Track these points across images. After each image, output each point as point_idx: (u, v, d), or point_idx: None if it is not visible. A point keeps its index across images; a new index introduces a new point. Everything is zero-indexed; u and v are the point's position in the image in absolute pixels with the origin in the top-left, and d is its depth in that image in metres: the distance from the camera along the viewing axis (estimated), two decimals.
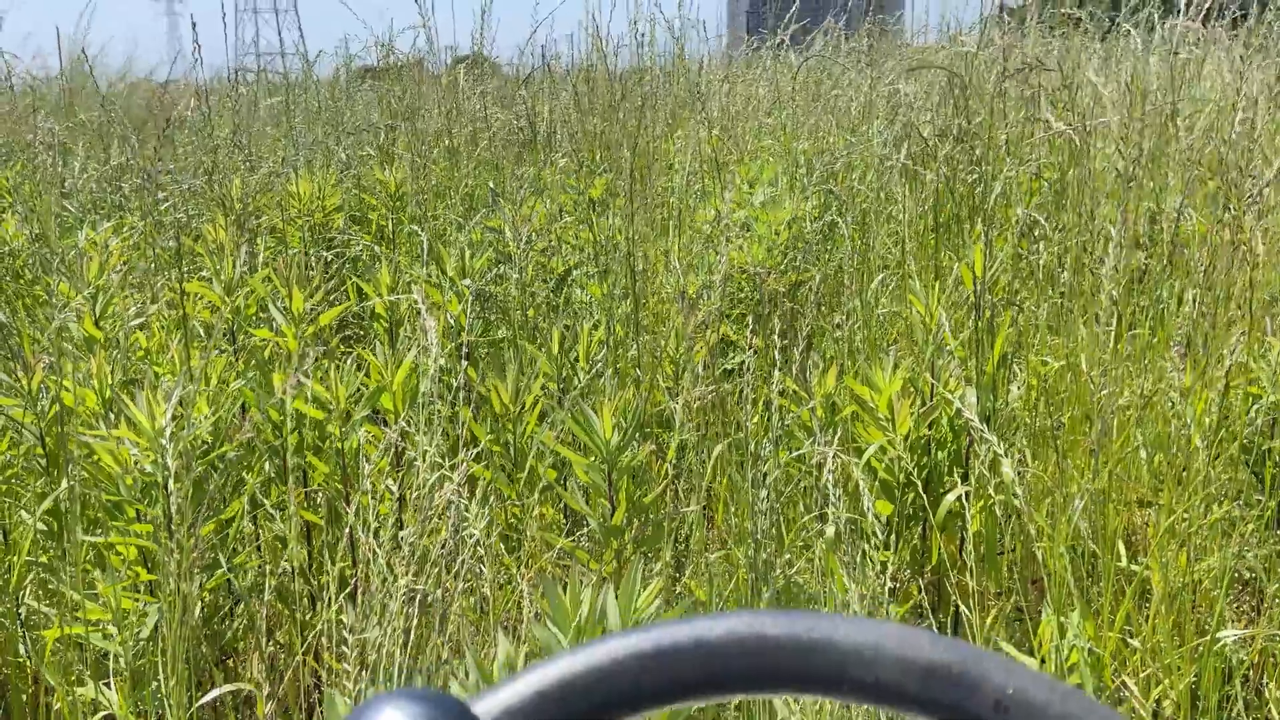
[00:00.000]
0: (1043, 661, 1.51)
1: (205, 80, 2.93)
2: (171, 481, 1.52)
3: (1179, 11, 3.03)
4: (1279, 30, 2.66)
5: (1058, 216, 2.63)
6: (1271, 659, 1.65)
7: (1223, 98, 2.34)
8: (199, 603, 1.85)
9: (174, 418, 1.63)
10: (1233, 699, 1.61)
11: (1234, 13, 3.33)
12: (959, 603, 1.66)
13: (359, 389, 1.82)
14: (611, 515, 1.57)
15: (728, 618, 0.39)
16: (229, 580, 1.86)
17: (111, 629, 1.64)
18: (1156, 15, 3.13)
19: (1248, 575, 1.79)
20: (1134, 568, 1.79)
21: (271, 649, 1.97)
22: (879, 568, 1.76)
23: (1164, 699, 1.58)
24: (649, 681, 0.37)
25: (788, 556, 1.68)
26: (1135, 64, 2.49)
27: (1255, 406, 1.79)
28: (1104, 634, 1.61)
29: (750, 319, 2.31)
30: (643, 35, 3.68)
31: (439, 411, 1.77)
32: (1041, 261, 2.46)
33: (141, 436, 1.64)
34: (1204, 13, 2.71)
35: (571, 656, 0.38)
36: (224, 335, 2.04)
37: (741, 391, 1.80)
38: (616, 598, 1.38)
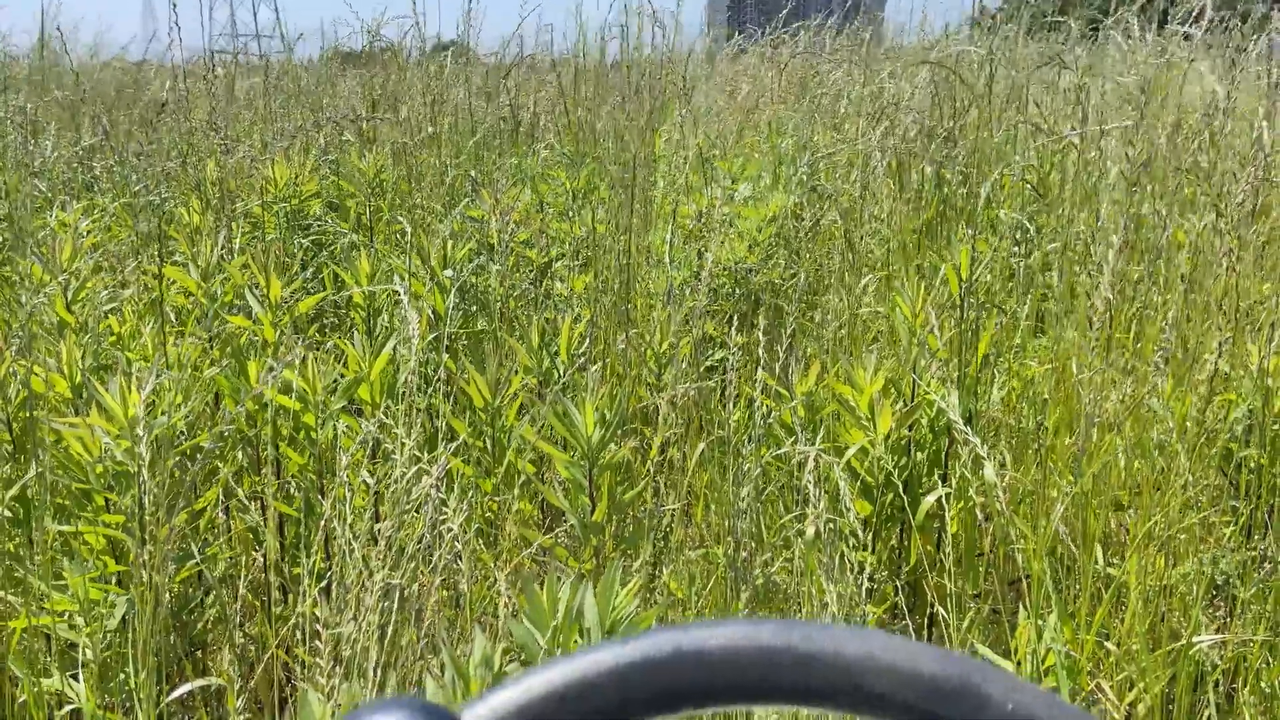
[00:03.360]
0: (1019, 664, 1.51)
1: (181, 60, 2.87)
2: (145, 471, 1.49)
3: (1159, 17, 3.05)
4: (1262, 40, 2.68)
5: (1041, 219, 2.64)
6: (1243, 664, 1.66)
7: (1210, 105, 2.36)
8: (167, 594, 1.82)
9: (148, 405, 1.59)
10: (1205, 703, 1.63)
11: (1211, 18, 3.34)
12: (936, 604, 1.66)
13: (336, 380, 1.79)
14: (592, 512, 1.55)
15: (725, 626, 0.38)
16: (200, 571, 1.83)
17: (79, 620, 1.61)
18: (1136, 22, 3.14)
19: (1221, 580, 1.80)
20: (1111, 570, 1.80)
21: (241, 640, 1.94)
22: (857, 568, 1.75)
23: (1138, 702, 1.59)
24: (641, 690, 0.37)
25: (767, 556, 1.67)
26: (1142, 70, 2.50)
27: (1234, 414, 1.80)
28: (1081, 637, 1.62)
29: (733, 316, 2.30)
30: (626, 28, 3.66)
31: (417, 404, 1.74)
32: (1025, 264, 2.47)
33: (113, 424, 1.60)
34: (1196, 20, 2.72)
35: (566, 664, 0.37)
36: (199, 321, 2.00)
37: (724, 389, 1.79)
38: (595, 596, 1.37)
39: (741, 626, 0.38)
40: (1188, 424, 1.64)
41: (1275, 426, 1.75)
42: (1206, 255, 2.04)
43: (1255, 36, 2.64)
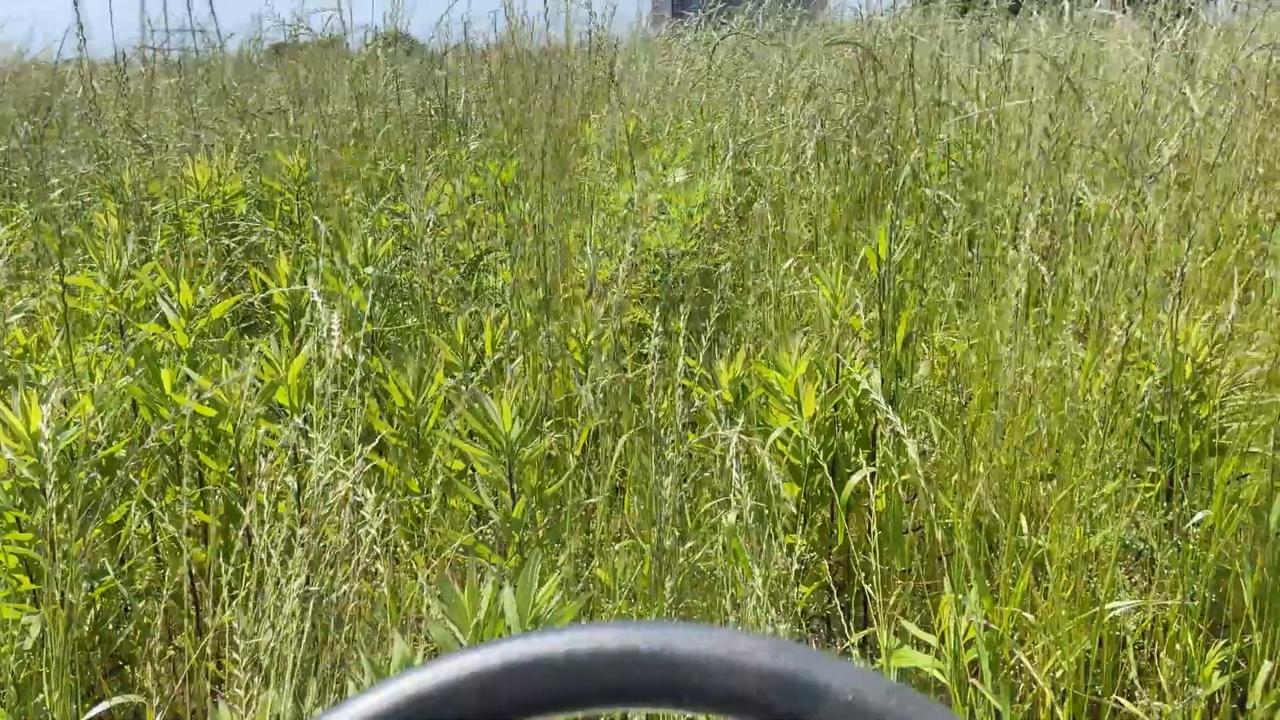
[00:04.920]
0: (942, 639, 1.53)
1: (85, 60, 2.79)
2: (51, 488, 1.45)
3: None
4: (1175, 13, 2.72)
5: (967, 194, 2.67)
6: (1163, 627, 1.70)
7: (1127, 80, 2.39)
8: (90, 609, 1.78)
9: (55, 419, 1.55)
10: (1126, 667, 1.66)
11: None
12: (863, 582, 1.67)
13: (254, 383, 1.76)
14: (513, 508, 1.54)
15: (567, 632, 0.38)
16: (123, 584, 1.79)
17: None
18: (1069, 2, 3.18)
19: (1140, 547, 1.84)
20: (1036, 540, 1.83)
21: (171, 653, 1.91)
22: (786, 549, 1.76)
23: (1058, 670, 1.62)
24: (474, 702, 0.36)
25: (691, 543, 1.67)
26: (1053, 46, 2.52)
27: (1148, 381, 1.83)
28: (1003, 609, 1.64)
29: (663, 303, 2.29)
30: (560, 14, 3.63)
31: (340, 404, 1.72)
32: (950, 241, 2.49)
33: (18, 441, 1.56)
34: None
35: (421, 672, 0.36)
36: (112, 330, 1.95)
37: (650, 378, 1.78)
38: (515, 593, 1.36)
39: (584, 631, 0.38)
40: (1093, 394, 1.67)
41: (1187, 393, 1.79)
42: (1126, 227, 2.07)
43: (1179, 15, 2.68)
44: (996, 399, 1.88)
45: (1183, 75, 2.76)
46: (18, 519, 1.64)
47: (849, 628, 1.79)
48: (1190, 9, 3.61)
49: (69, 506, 1.54)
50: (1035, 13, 2.78)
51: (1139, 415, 1.83)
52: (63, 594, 1.49)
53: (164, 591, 1.73)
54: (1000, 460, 1.82)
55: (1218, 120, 2.57)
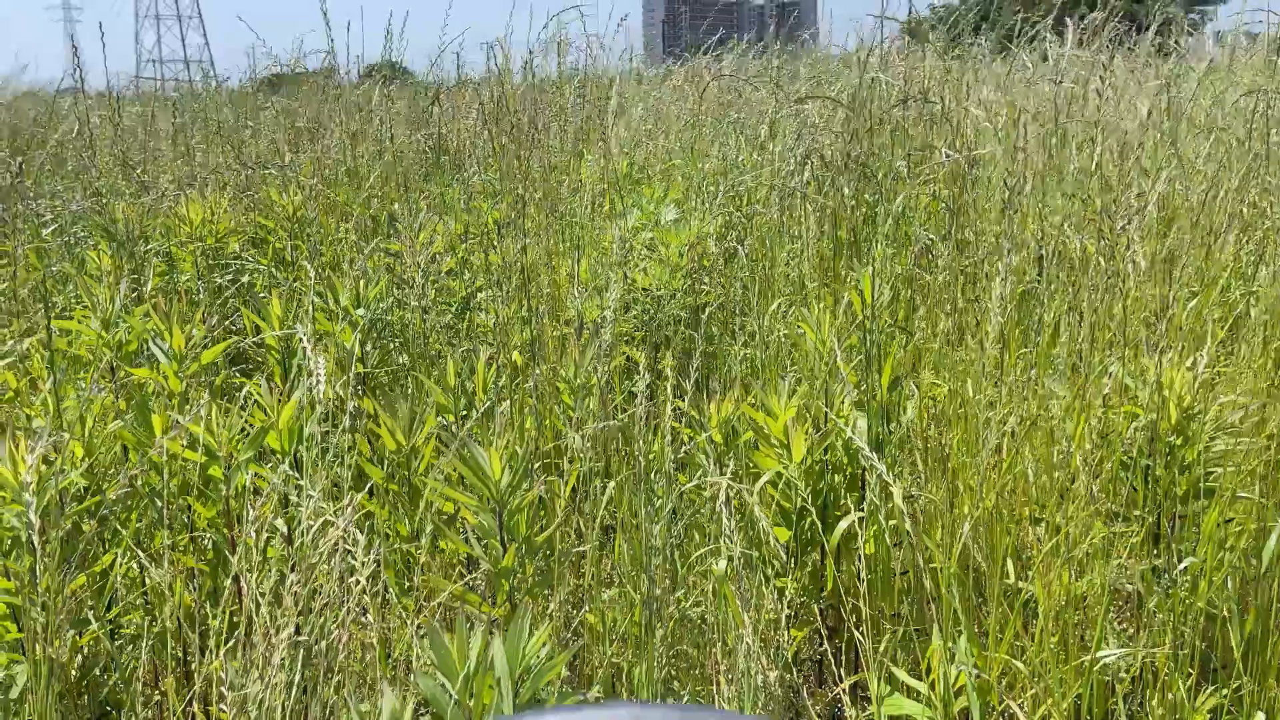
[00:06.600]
0: (932, 686, 1.53)
1: (83, 93, 2.81)
2: (36, 538, 1.45)
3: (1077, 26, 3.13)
4: (1158, 56, 2.76)
5: (954, 235, 2.69)
6: (1152, 673, 1.70)
7: (1104, 123, 2.42)
8: (78, 655, 1.77)
9: (43, 464, 1.55)
10: (1116, 714, 1.66)
11: (1115, 30, 3.43)
12: (851, 627, 1.67)
13: (244, 428, 1.76)
14: (502, 556, 1.54)
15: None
16: (111, 630, 1.78)
17: None
18: (1049, 41, 3.23)
19: (1129, 589, 1.85)
20: (1022, 584, 1.83)
21: (158, 698, 1.89)
22: (776, 594, 1.76)
23: (1049, 717, 1.62)
24: None
25: (680, 592, 1.67)
26: (1025, 89, 2.56)
27: (1133, 425, 1.85)
28: (991, 655, 1.64)
29: (651, 343, 2.30)
30: (547, 50, 3.67)
31: (330, 448, 1.72)
32: (939, 280, 2.51)
33: (4, 489, 1.56)
34: (1088, 36, 2.81)
35: None
36: (102, 373, 1.95)
37: (641, 419, 1.79)
38: (504, 644, 1.36)
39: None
40: (1087, 440, 1.68)
41: (1173, 437, 1.80)
42: (1106, 273, 2.09)
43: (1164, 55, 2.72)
44: (978, 443, 1.89)
45: (1169, 118, 2.80)
46: (5, 567, 1.63)
47: (839, 673, 1.79)
48: (1176, 48, 3.66)
49: (48, 558, 1.53)
50: (1021, 51, 2.82)
51: (1125, 459, 1.85)
52: (43, 648, 1.48)
53: (150, 637, 1.72)
54: (986, 504, 1.83)
55: (1203, 164, 2.60)
